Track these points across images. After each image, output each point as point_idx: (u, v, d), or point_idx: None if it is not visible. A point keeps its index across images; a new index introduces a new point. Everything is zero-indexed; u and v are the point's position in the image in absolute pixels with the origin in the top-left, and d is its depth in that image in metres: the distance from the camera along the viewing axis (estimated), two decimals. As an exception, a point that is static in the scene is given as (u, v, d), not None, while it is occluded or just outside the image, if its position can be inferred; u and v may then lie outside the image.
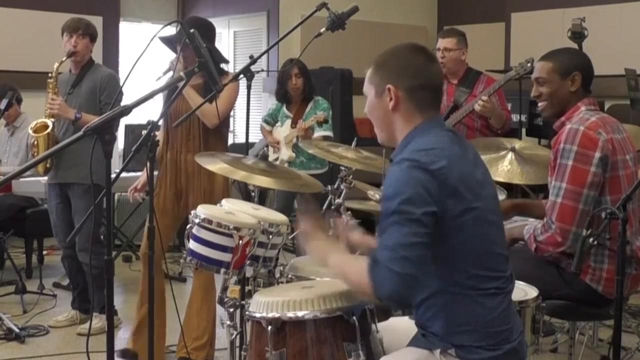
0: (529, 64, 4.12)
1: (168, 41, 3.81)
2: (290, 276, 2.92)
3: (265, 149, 3.56)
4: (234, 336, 2.79)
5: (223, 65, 3.87)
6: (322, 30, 3.23)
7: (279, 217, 2.91)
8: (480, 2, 8.87)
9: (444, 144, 2.08)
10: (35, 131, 4.45)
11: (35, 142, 4.44)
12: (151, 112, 5.68)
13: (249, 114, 3.26)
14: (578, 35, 5.30)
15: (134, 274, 5.62)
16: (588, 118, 2.91)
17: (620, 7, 7.50)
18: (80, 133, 2.10)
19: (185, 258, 2.74)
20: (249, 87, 3.16)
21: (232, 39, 8.86)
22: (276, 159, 5.28)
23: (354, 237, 2.44)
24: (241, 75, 3.20)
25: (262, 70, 4.01)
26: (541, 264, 2.97)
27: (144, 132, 2.50)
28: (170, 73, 3.56)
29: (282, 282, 2.90)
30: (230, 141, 4.41)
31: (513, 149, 3.58)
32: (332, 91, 7.30)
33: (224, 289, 2.80)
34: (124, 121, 5.84)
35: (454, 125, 4.38)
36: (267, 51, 4.02)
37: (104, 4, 7.91)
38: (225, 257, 2.68)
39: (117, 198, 6.51)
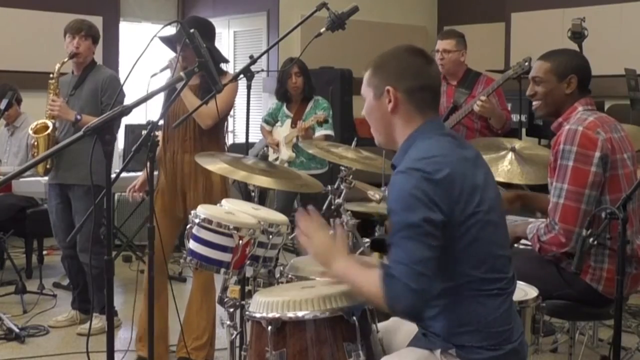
0: (527, 64, 4.12)
1: (168, 41, 3.80)
2: (290, 276, 2.92)
3: (265, 149, 3.55)
4: (234, 336, 2.78)
5: (222, 65, 3.87)
6: (322, 30, 3.23)
7: (279, 217, 2.90)
8: (480, 2, 8.87)
9: (446, 149, 2.08)
10: (35, 132, 4.45)
11: (36, 143, 4.44)
12: (151, 112, 5.67)
13: (249, 114, 3.26)
14: (578, 35, 5.29)
15: (134, 274, 5.60)
16: (586, 118, 2.91)
17: (620, 7, 7.50)
18: (80, 133, 2.09)
19: (185, 258, 2.74)
20: (249, 87, 3.16)
21: (232, 39, 8.86)
22: (276, 159, 5.28)
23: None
24: (241, 75, 3.20)
25: (262, 70, 4.01)
26: (541, 264, 2.97)
27: (144, 132, 2.50)
28: (167, 71, 3.56)
29: (282, 282, 2.91)
30: (230, 141, 4.42)
31: (513, 149, 3.59)
32: (332, 91, 7.29)
33: (224, 289, 2.79)
34: (124, 121, 5.83)
35: (453, 126, 4.38)
36: (267, 51, 4.01)
37: (104, 4, 7.92)
38: (225, 257, 2.67)
39: (117, 198, 6.50)
